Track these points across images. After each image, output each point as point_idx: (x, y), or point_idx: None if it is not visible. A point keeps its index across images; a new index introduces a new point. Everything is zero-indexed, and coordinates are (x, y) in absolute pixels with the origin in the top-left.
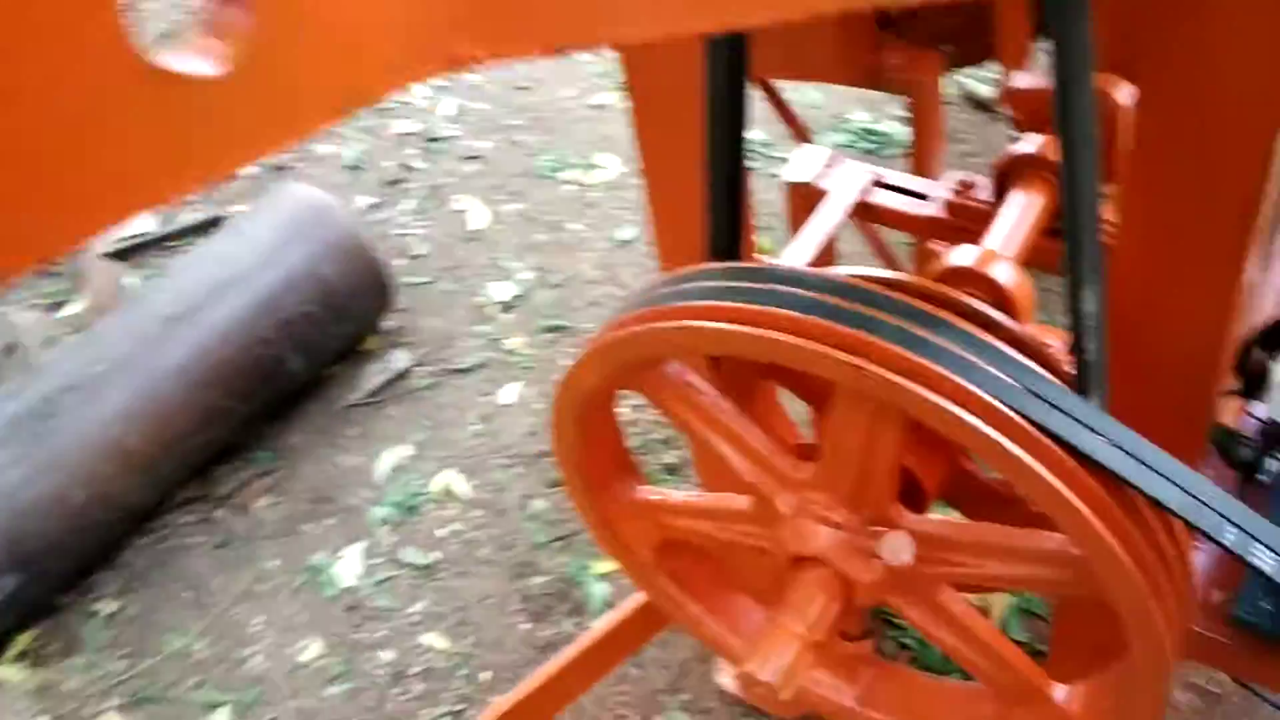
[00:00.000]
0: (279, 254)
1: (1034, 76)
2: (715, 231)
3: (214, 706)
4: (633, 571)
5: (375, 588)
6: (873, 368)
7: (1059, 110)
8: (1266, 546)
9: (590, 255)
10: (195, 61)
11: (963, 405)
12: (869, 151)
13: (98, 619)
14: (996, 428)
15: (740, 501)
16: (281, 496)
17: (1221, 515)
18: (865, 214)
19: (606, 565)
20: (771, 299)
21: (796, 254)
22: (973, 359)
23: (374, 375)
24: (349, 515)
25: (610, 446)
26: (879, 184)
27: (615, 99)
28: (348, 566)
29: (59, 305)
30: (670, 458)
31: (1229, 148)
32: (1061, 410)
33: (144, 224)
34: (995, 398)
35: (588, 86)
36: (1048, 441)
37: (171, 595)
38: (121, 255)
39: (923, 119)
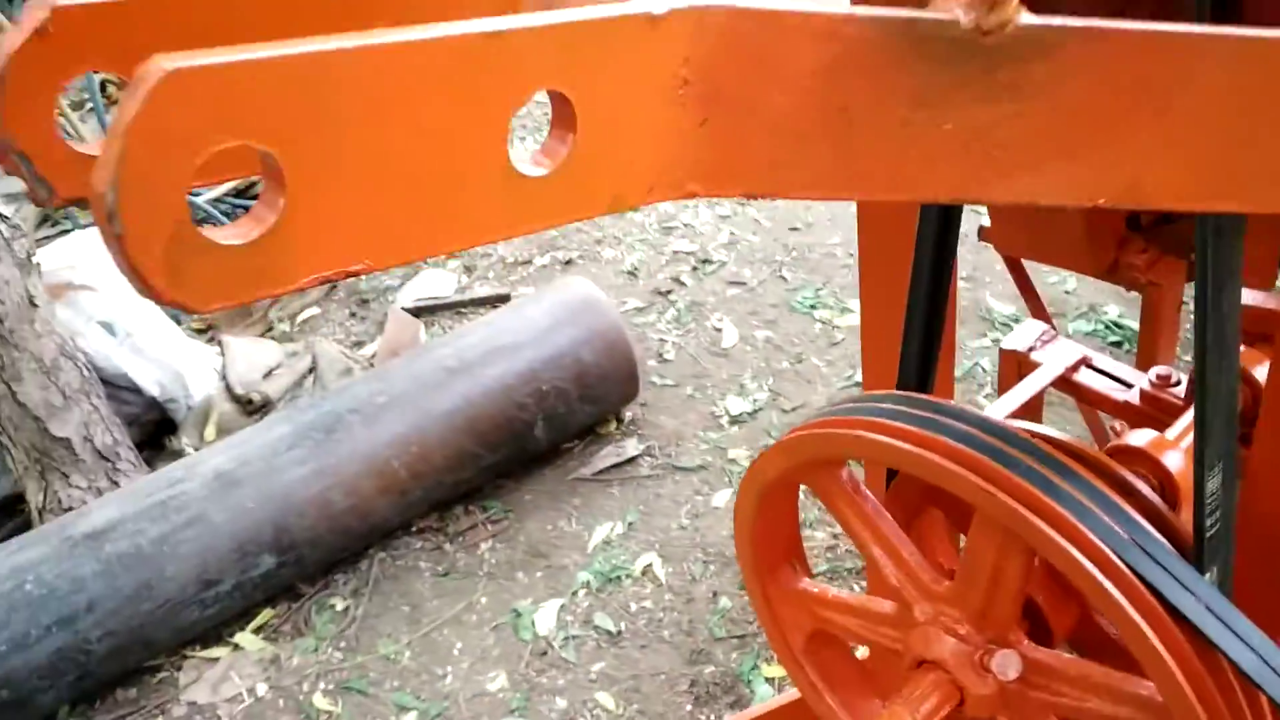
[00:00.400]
0: (548, 333)
1: (1257, 295)
2: (905, 366)
3: (405, 709)
4: (783, 655)
5: (564, 641)
6: (1000, 495)
7: (1199, 323)
8: None
9: (824, 389)
10: (534, 169)
11: (1071, 540)
12: (1114, 344)
13: (329, 611)
14: (1099, 566)
15: (885, 605)
16: (504, 544)
17: None
18: (1068, 389)
19: (775, 670)
20: (932, 426)
21: (995, 410)
22: (1092, 508)
23: (606, 456)
24: (557, 573)
25: (784, 535)
26: (1087, 364)
27: None
28: (545, 617)
29: (360, 344)
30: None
31: None
32: (1163, 566)
33: (443, 289)
34: (1103, 541)
35: (853, 235)
36: (1144, 590)
37: (393, 606)
38: (419, 312)
39: (1154, 318)
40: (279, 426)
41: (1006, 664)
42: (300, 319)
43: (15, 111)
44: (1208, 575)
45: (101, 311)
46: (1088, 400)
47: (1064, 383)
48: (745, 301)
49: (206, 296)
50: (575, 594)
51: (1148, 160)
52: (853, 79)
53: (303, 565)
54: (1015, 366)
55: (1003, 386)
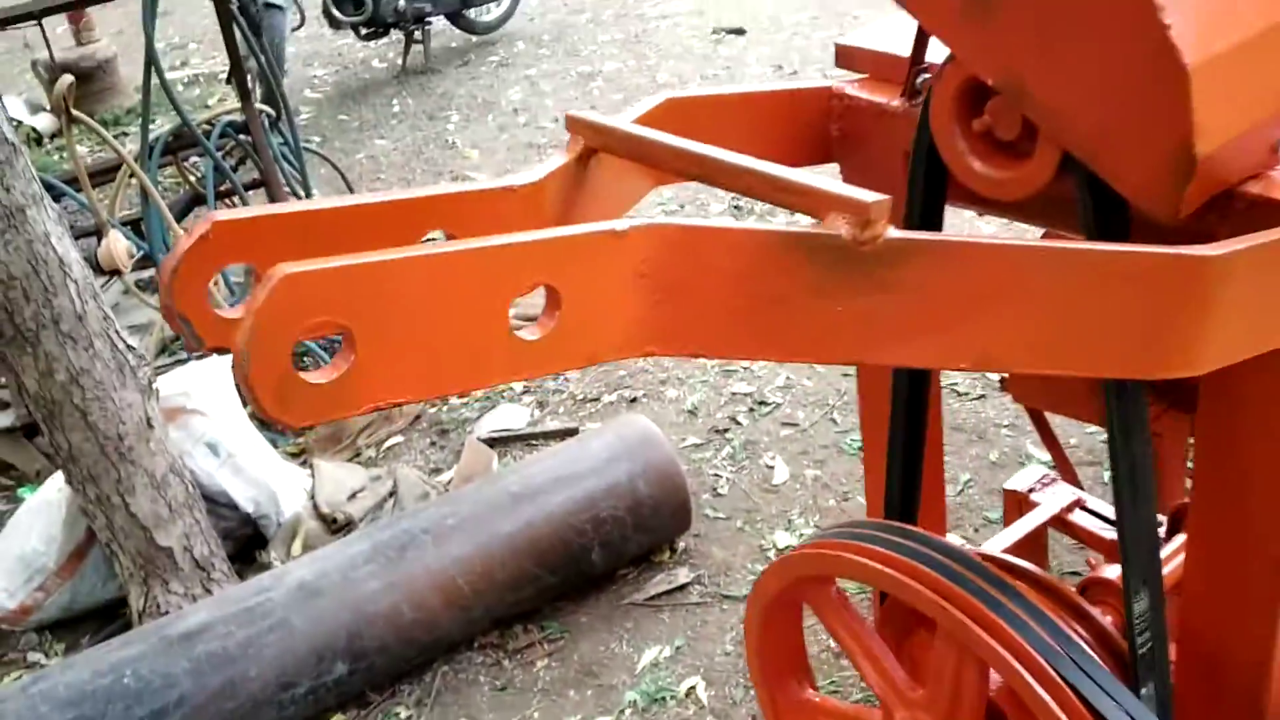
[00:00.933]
0: (607, 465)
1: None
2: (889, 497)
3: None
4: None
5: None
6: (950, 607)
7: (1113, 464)
8: None
9: None
10: (530, 334)
11: (1009, 650)
12: None
13: (395, 719)
14: (1034, 675)
15: (875, 715)
16: (558, 662)
17: None
18: (1063, 528)
19: None
20: (902, 550)
21: (994, 543)
22: (1032, 624)
23: (659, 582)
24: (606, 692)
25: (789, 649)
26: (1081, 506)
27: None
28: None
29: (437, 471)
30: None
31: (1261, 513)
32: (1091, 678)
33: (516, 421)
34: (1039, 653)
35: None
36: (1073, 698)
37: (453, 718)
38: (493, 443)
39: (1160, 464)
40: (358, 544)
41: None
42: (385, 446)
43: (182, 289)
44: (1144, 690)
45: (208, 434)
46: (1078, 538)
47: (1059, 521)
48: (797, 441)
49: (301, 416)
50: (623, 712)
51: (993, 337)
52: (766, 275)
53: (372, 673)
54: (1017, 505)
55: (1006, 523)
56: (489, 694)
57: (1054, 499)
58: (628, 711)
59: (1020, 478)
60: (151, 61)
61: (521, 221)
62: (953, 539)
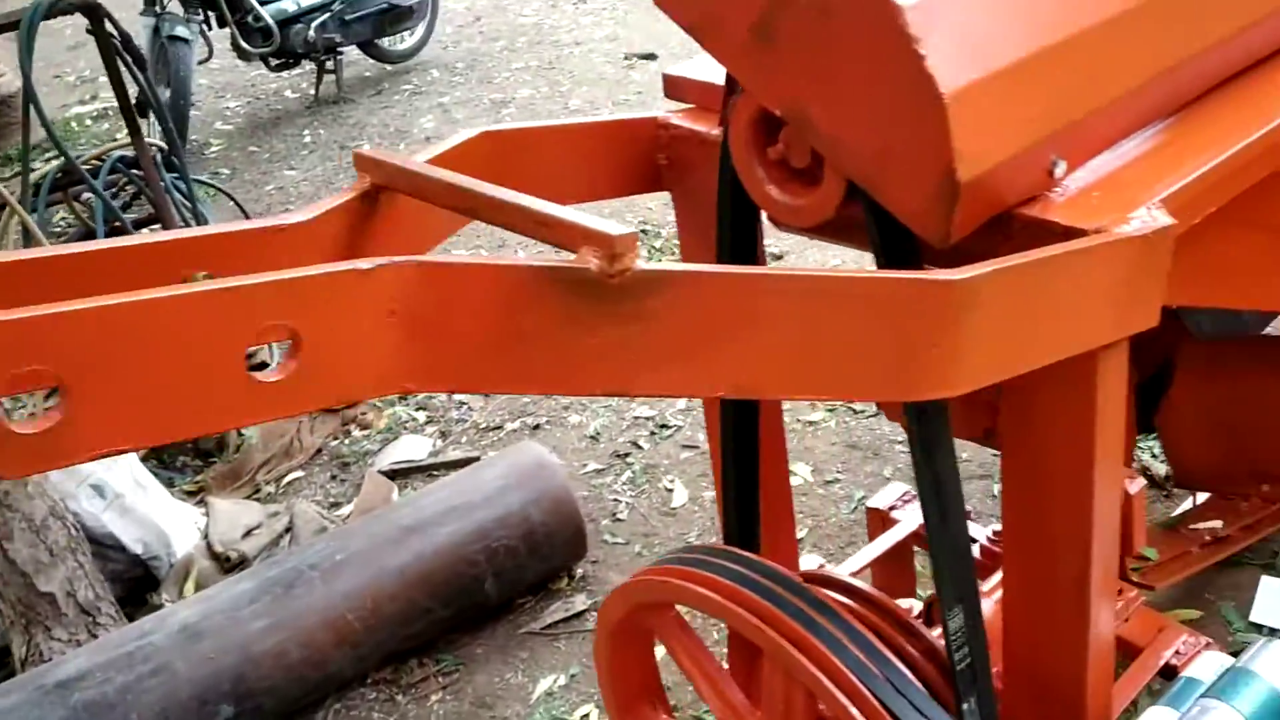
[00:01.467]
0: (500, 494)
1: None
2: (725, 521)
3: None
4: None
5: None
6: (768, 630)
7: (919, 482)
8: None
9: None
10: (271, 377)
11: (823, 670)
12: None
13: None
14: (846, 694)
15: None
16: (453, 696)
17: None
18: (923, 544)
19: None
20: (727, 574)
21: (854, 561)
22: (850, 646)
23: (555, 610)
24: None
25: (640, 675)
26: None
27: (824, 415)
28: None
29: (337, 505)
30: None
31: (1060, 525)
32: (905, 697)
33: (418, 452)
34: (853, 673)
35: (803, 405)
36: (884, 712)
37: None
38: (394, 475)
39: None
40: (244, 582)
41: None
42: (285, 481)
43: None
44: (966, 705)
45: (94, 475)
46: None
47: (918, 538)
48: (696, 464)
49: (13, 469)
50: None
51: (745, 365)
52: (519, 310)
53: (260, 715)
54: (880, 522)
55: (870, 539)
56: None
57: (915, 516)
58: None
59: (882, 495)
60: (29, 97)
61: (290, 261)
62: (812, 559)
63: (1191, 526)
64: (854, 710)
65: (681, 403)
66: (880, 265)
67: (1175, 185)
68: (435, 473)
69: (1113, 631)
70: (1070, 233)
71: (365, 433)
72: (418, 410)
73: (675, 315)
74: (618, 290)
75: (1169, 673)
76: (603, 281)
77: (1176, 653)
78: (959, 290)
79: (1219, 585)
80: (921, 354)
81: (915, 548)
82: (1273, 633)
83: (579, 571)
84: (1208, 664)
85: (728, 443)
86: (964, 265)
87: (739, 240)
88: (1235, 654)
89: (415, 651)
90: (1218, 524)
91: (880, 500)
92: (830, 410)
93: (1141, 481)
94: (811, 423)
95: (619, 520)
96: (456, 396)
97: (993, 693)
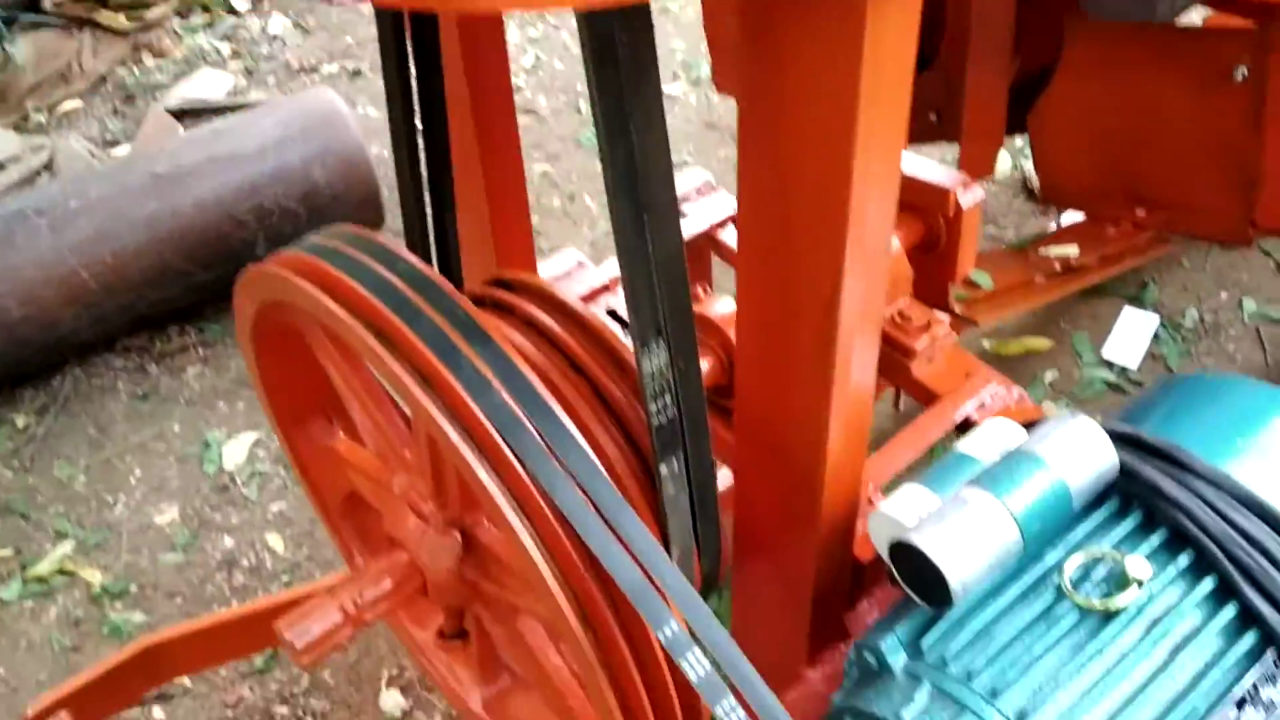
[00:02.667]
0: (278, 147)
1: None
2: (407, 221)
3: (62, 537)
4: (323, 516)
5: (249, 478)
6: (387, 357)
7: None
8: (704, 658)
9: (590, 231)
10: None
11: (448, 408)
12: None
13: (8, 427)
14: (477, 444)
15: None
16: (211, 370)
17: (672, 611)
18: (713, 246)
19: None
20: (356, 271)
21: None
22: (493, 381)
23: None
24: (259, 406)
25: (307, 385)
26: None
27: (686, 88)
28: (235, 451)
29: (114, 144)
30: None
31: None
32: (555, 454)
33: (215, 91)
34: (487, 417)
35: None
36: (519, 468)
37: (79, 428)
38: (182, 114)
39: None
40: None
41: (439, 548)
42: (60, 111)
43: None
44: (664, 468)
45: None
46: (725, 258)
47: (709, 239)
48: (532, 131)
49: None
50: (270, 431)
51: None
52: None
53: None
54: None
55: None
56: (126, 403)
57: (708, 211)
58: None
59: (683, 178)
60: None
61: None
62: (569, 257)
63: (1043, 251)
64: (477, 466)
65: (529, 59)
66: None
67: None
68: (230, 114)
69: (871, 386)
70: None
71: (158, 62)
72: (222, 40)
73: None
74: None
75: (967, 428)
76: None
77: (981, 405)
78: None
79: (1077, 314)
80: None
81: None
82: (1123, 372)
83: None
84: (994, 434)
85: (398, 124)
86: None
87: None
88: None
89: (173, 318)
90: (1073, 250)
91: (680, 185)
92: (693, 84)
93: (978, 192)
94: (670, 97)
95: None
96: (270, 28)
97: (707, 454)
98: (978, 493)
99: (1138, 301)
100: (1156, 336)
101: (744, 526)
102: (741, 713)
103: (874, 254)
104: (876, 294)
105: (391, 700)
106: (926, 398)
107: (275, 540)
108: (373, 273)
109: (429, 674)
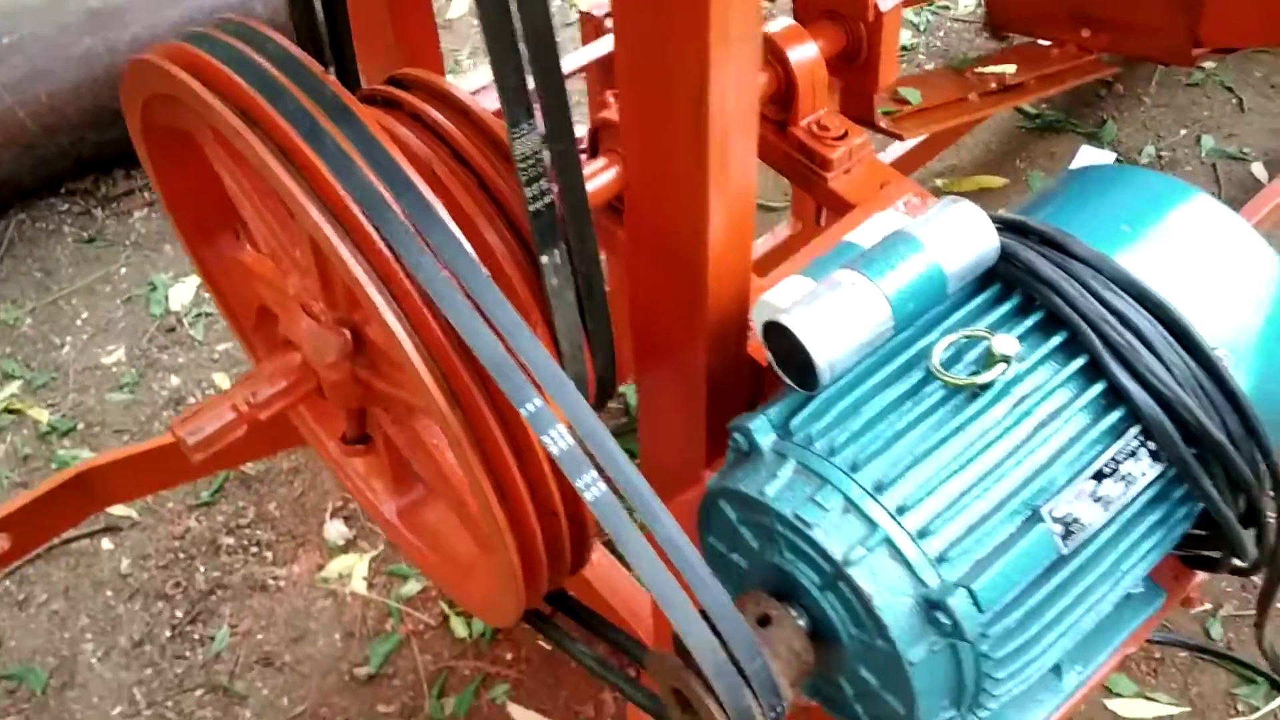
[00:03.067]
0: None
1: None
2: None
3: (10, 378)
4: (239, 335)
5: (195, 319)
6: (245, 131)
7: None
8: (567, 434)
9: None
10: None
11: (312, 189)
12: None
13: None
14: (334, 216)
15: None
16: (158, 213)
17: (539, 389)
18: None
19: None
20: (227, 56)
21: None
22: (359, 163)
23: None
24: None
25: (208, 197)
26: None
27: None
28: (182, 293)
29: None
30: None
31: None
32: (419, 233)
33: None
34: (347, 190)
35: None
36: (380, 244)
37: (25, 271)
38: None
39: None
40: None
41: (326, 343)
42: None
43: None
44: (545, 258)
45: None
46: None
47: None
48: None
49: None
50: None
51: None
52: None
53: None
54: (594, 29)
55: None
56: (73, 245)
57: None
58: None
59: None
60: None
61: None
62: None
63: (979, 70)
64: (336, 240)
65: None
66: None
67: None
68: None
69: (751, 182)
70: None
71: None
72: None
73: None
74: None
75: None
76: None
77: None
78: None
79: (1033, 152)
80: None
81: None
82: None
83: None
84: (881, 225)
85: None
86: None
87: None
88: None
89: (119, 162)
90: (1009, 69)
91: (590, 3)
92: None
93: None
94: None
95: None
96: None
97: (591, 244)
98: (850, 274)
99: (1095, 139)
100: None
101: (640, 329)
102: (603, 485)
103: (741, 42)
104: (747, 85)
105: (335, 530)
106: (843, 209)
107: (222, 379)
108: (239, 53)
109: (347, 486)
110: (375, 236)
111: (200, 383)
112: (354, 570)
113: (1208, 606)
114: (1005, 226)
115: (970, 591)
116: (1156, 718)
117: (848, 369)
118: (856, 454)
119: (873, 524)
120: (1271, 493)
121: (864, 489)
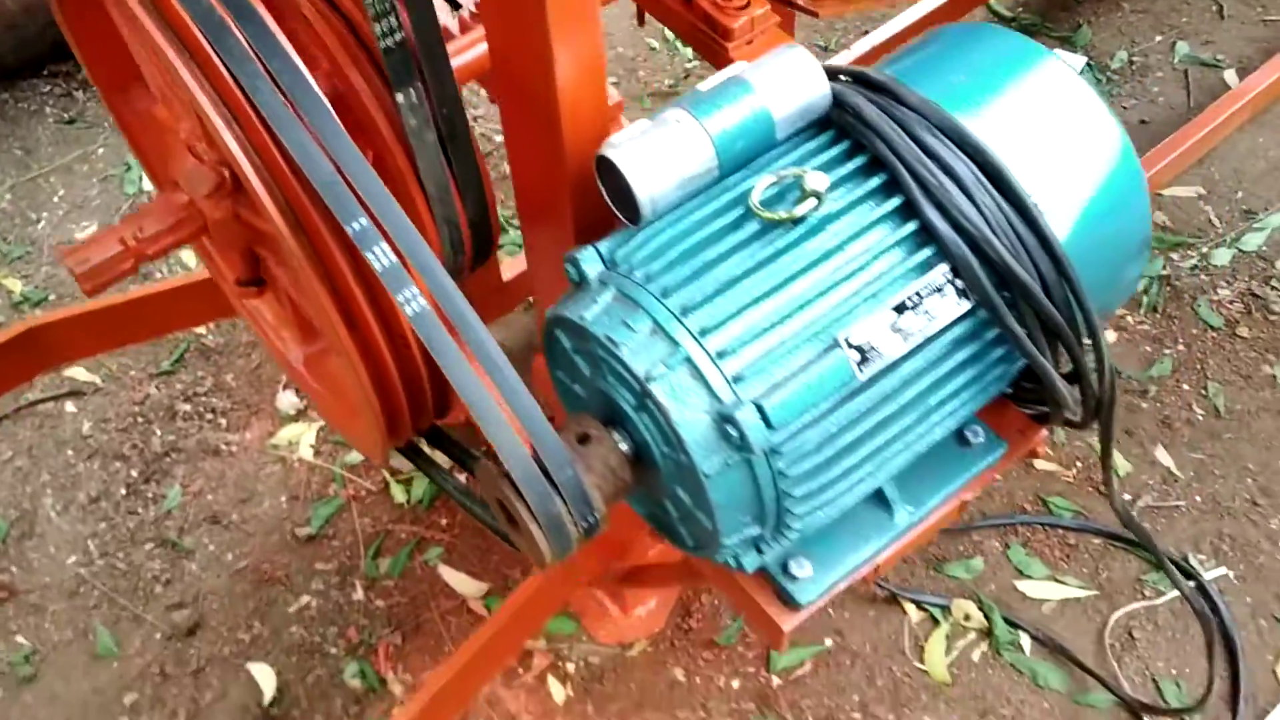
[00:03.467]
0: None
1: None
2: None
3: None
4: (158, 187)
5: None
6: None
7: None
8: (389, 251)
9: None
10: None
11: (158, 13)
12: None
13: None
14: (180, 41)
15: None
16: None
17: (364, 208)
18: None
19: None
20: None
21: None
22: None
23: None
24: None
25: (120, 49)
26: None
27: None
28: None
29: None
30: None
31: None
32: (258, 57)
33: None
34: (191, 15)
35: None
36: (221, 68)
37: (6, 149)
38: None
39: None
40: None
41: (199, 178)
42: None
43: None
44: (402, 96)
45: None
46: None
47: None
48: None
49: None
50: None
51: None
52: None
53: None
54: None
55: None
56: (53, 125)
57: None
58: None
59: None
60: None
61: None
62: None
63: None
64: (179, 66)
65: None
66: None
67: None
68: None
69: (596, 28)
70: None
71: None
72: None
73: None
74: None
75: None
76: None
77: None
78: None
79: None
80: None
81: None
82: None
83: None
84: (730, 73)
85: None
86: None
87: None
88: None
89: None
90: None
91: None
92: None
93: None
94: None
95: None
96: None
97: (449, 83)
98: (679, 113)
99: (1069, 44)
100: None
101: (519, 187)
102: (423, 301)
103: None
104: None
105: (287, 400)
106: None
107: (188, 256)
108: None
109: (260, 336)
110: (216, 59)
111: (169, 258)
112: (302, 438)
113: (1127, 497)
114: (846, 75)
115: (760, 408)
116: (1064, 599)
117: (672, 204)
118: (669, 281)
119: (675, 344)
120: (1089, 340)
121: (671, 312)
